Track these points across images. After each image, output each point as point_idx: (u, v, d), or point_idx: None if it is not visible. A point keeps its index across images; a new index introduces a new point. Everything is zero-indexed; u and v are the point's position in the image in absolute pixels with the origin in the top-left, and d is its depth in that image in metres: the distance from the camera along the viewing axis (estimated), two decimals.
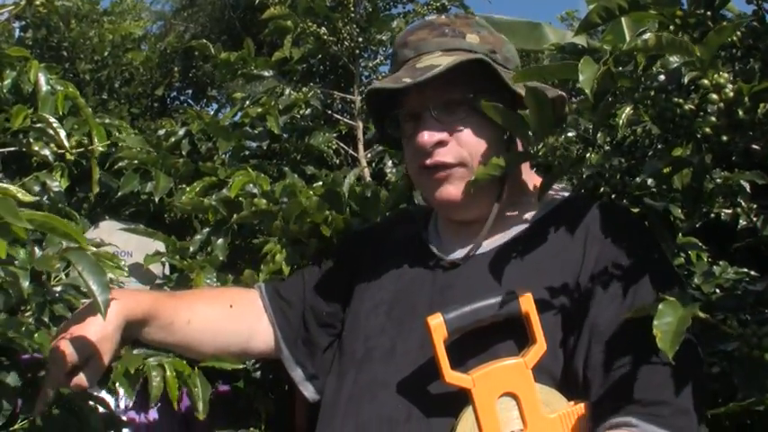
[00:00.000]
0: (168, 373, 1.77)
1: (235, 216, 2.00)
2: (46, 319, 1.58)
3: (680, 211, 1.43)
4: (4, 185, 1.04)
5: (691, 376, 1.17)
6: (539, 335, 1.24)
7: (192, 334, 1.54)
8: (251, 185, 2.09)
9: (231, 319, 1.60)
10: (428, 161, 1.39)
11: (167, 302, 1.52)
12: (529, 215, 1.43)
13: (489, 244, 1.43)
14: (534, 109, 1.26)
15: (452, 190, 1.39)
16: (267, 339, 1.61)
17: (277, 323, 1.60)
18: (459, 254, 1.44)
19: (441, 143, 1.38)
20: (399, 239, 1.56)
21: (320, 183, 2.20)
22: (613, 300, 1.25)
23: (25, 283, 1.13)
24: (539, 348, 1.24)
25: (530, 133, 1.29)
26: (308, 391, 1.57)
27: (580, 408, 1.24)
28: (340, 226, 1.94)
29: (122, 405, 2.05)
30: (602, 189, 1.40)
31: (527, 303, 1.25)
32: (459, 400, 1.25)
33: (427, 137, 1.38)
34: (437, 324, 1.24)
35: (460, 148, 1.39)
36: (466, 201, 1.39)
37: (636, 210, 1.42)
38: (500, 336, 1.29)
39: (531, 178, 1.49)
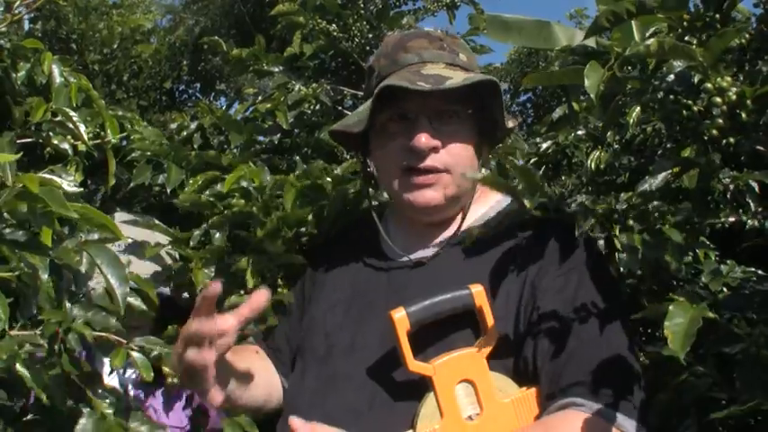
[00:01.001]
0: None
1: (210, 221, 1.99)
2: (56, 348, 1.56)
3: (682, 236, 1.44)
4: (49, 176, 1.05)
5: (628, 359, 1.31)
6: (491, 326, 1.36)
7: (256, 370, 1.53)
8: (244, 181, 2.09)
9: (265, 361, 1.63)
10: (421, 164, 1.48)
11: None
12: (476, 219, 1.55)
13: (438, 245, 1.53)
14: (525, 182, 1.36)
15: (433, 194, 1.49)
16: (280, 389, 1.62)
17: (282, 372, 1.63)
18: (420, 254, 1.54)
19: (434, 149, 1.47)
20: (353, 241, 1.66)
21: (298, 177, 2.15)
22: (558, 294, 1.37)
23: (44, 275, 1.14)
24: (492, 338, 1.37)
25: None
26: None
27: (531, 392, 1.36)
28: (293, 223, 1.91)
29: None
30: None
31: (480, 298, 1.37)
32: (418, 389, 1.35)
33: (425, 140, 1.46)
34: (400, 317, 1.35)
35: (449, 156, 1.49)
36: (442, 206, 1.51)
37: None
38: (456, 327, 1.40)
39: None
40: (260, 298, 1.28)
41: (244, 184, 2.08)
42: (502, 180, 1.38)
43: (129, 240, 2.06)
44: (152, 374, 1.58)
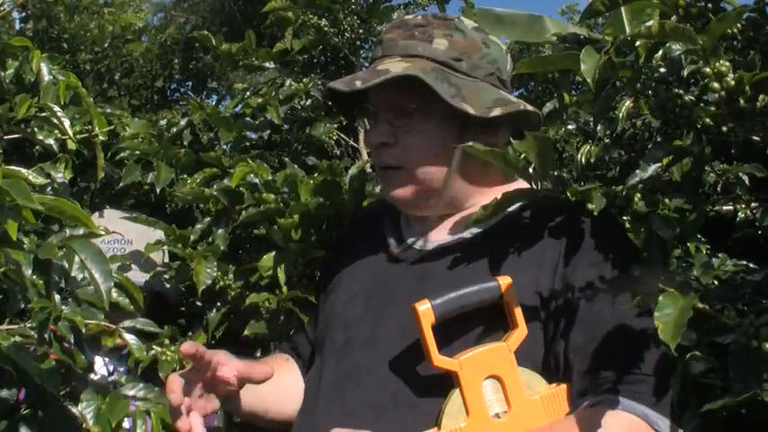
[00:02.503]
0: (153, 421, 1.68)
1: (243, 214, 2.00)
2: (46, 336, 1.55)
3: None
4: (15, 168, 1.04)
5: (661, 356, 1.24)
6: (520, 320, 1.30)
7: (286, 382, 1.56)
8: (252, 176, 2.10)
9: (293, 370, 1.62)
10: (379, 161, 1.47)
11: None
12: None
13: (458, 235, 1.47)
14: (537, 152, 1.30)
15: (397, 191, 1.47)
16: None
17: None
18: (441, 242, 1.48)
19: (385, 145, 1.45)
20: (369, 232, 1.62)
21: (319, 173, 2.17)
22: (590, 287, 1.31)
23: (28, 271, 1.13)
24: (520, 333, 1.30)
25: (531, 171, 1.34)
26: None
27: (561, 389, 1.30)
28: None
29: None
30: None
31: (508, 290, 1.30)
32: (442, 384, 1.29)
33: (373, 137, 1.46)
34: (425, 310, 1.28)
35: (404, 152, 1.44)
36: (411, 201, 1.47)
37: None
38: (482, 321, 1.34)
39: (493, 172, 1.49)
40: (267, 372, 1.37)
41: (250, 179, 2.09)
42: (494, 150, 1.30)
43: (119, 237, 2.06)
44: (146, 354, 1.59)
